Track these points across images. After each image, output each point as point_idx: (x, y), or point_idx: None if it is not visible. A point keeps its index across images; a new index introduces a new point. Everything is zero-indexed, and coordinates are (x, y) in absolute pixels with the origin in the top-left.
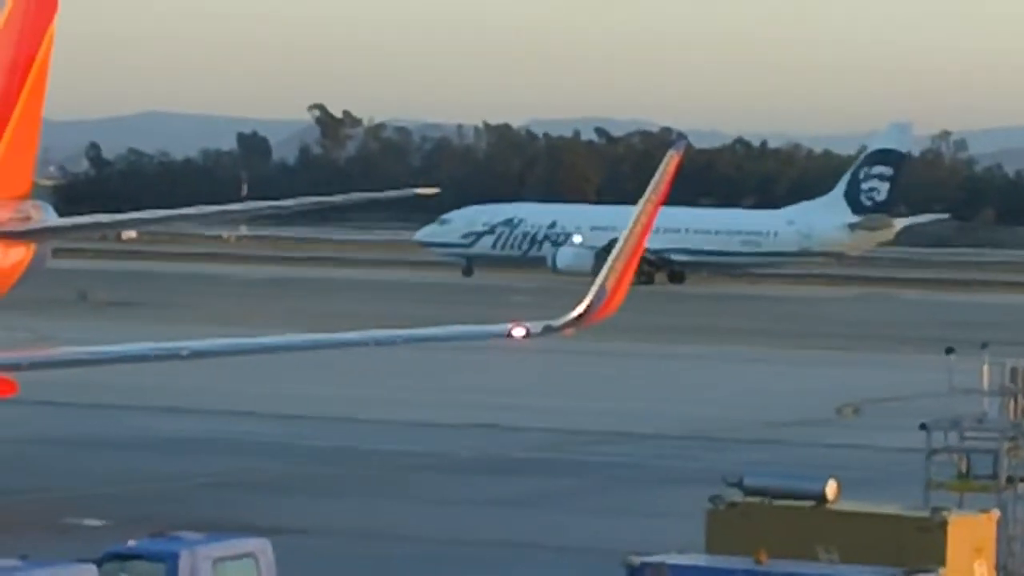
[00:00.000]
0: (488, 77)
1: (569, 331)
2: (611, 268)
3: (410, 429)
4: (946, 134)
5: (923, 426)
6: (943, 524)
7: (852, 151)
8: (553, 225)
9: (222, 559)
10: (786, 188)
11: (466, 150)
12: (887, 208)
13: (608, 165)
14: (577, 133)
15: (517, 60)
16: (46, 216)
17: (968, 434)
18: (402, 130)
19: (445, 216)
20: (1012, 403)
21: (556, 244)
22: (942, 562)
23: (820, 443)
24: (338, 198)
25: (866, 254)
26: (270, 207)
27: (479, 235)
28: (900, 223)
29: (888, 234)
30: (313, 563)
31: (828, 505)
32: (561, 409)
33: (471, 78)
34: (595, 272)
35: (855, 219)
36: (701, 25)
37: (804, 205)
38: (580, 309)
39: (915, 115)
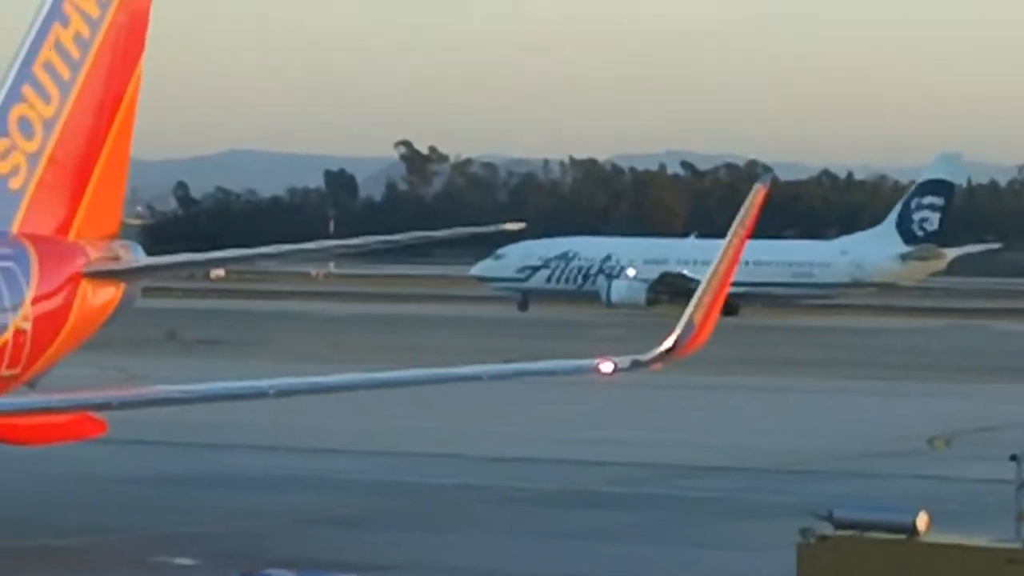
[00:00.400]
0: (574, 112)
1: (657, 366)
2: (698, 302)
3: (493, 464)
4: None
5: (1014, 457)
6: None
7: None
8: (608, 259)
9: None
10: (872, 219)
11: (552, 185)
12: (939, 238)
13: (694, 198)
14: (663, 167)
15: (603, 94)
16: (135, 256)
17: None
18: (488, 166)
19: (500, 251)
20: None
21: (610, 277)
22: None
23: (910, 474)
24: (424, 234)
25: (952, 285)
26: (357, 244)
27: (534, 269)
28: (952, 253)
29: (940, 264)
30: None
31: (919, 537)
32: (645, 442)
33: (557, 113)
34: (649, 305)
35: (907, 249)
36: (786, 58)
37: (856, 236)
38: (668, 344)
39: (1001, 145)
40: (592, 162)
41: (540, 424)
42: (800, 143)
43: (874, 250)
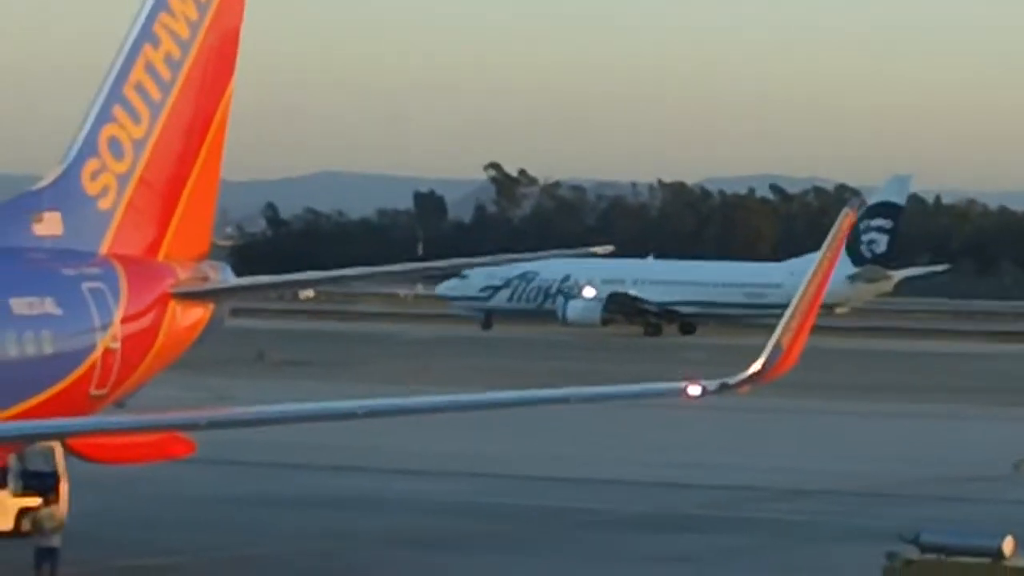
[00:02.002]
0: (663, 134)
1: (745, 389)
2: (786, 325)
3: (581, 485)
4: None
5: None
6: None
7: None
8: (567, 279)
9: None
10: (961, 244)
11: (641, 208)
12: (887, 259)
13: (783, 222)
14: (752, 190)
15: (692, 117)
16: (224, 276)
17: None
18: (577, 188)
19: (466, 271)
20: None
21: (568, 297)
22: None
23: (997, 499)
24: (513, 257)
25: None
26: (446, 266)
27: (496, 289)
28: (899, 275)
29: (887, 286)
30: None
31: (1005, 562)
32: (731, 465)
33: (646, 136)
34: (604, 324)
35: (854, 271)
36: (876, 81)
37: (807, 257)
38: (756, 367)
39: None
40: (681, 185)
41: (627, 446)
42: (889, 167)
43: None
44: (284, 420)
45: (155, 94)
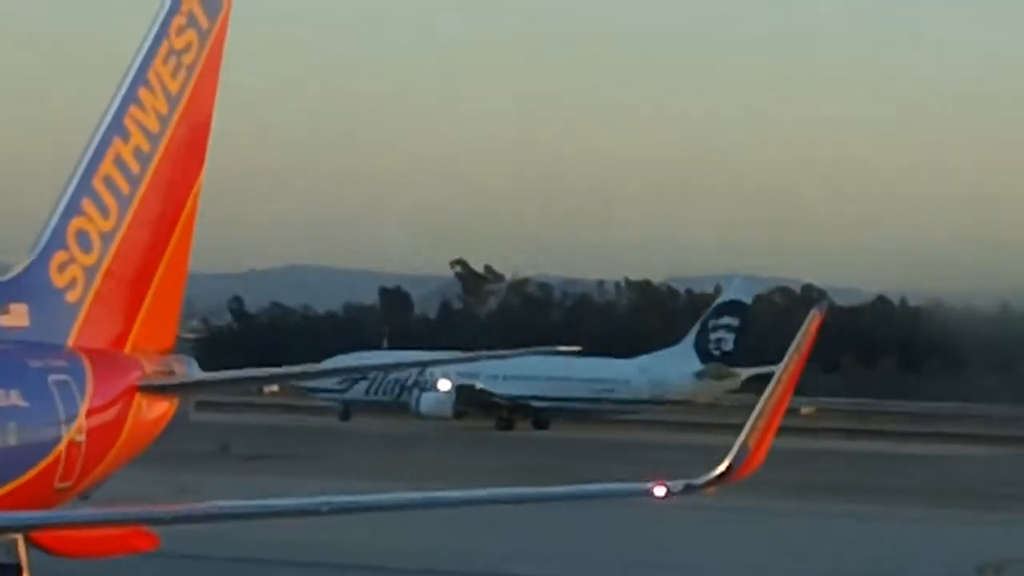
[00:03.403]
0: (629, 233)
1: (711, 490)
2: (753, 425)
3: None
4: None
5: None
6: None
7: (995, 309)
8: (423, 372)
9: None
10: (929, 346)
11: (607, 306)
12: (733, 357)
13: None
14: (718, 288)
15: (657, 217)
16: (189, 370)
17: None
18: (544, 285)
19: (325, 362)
20: None
21: (424, 390)
22: None
23: None
24: (479, 354)
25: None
26: (412, 364)
27: (354, 380)
28: (746, 372)
29: (734, 383)
30: None
31: None
32: (698, 566)
33: (612, 234)
34: (457, 417)
35: (701, 368)
36: (841, 183)
37: (657, 354)
38: (722, 467)
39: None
40: (647, 283)
41: (585, 547)
42: (855, 268)
43: (672, 368)
44: (249, 515)
45: (124, 187)
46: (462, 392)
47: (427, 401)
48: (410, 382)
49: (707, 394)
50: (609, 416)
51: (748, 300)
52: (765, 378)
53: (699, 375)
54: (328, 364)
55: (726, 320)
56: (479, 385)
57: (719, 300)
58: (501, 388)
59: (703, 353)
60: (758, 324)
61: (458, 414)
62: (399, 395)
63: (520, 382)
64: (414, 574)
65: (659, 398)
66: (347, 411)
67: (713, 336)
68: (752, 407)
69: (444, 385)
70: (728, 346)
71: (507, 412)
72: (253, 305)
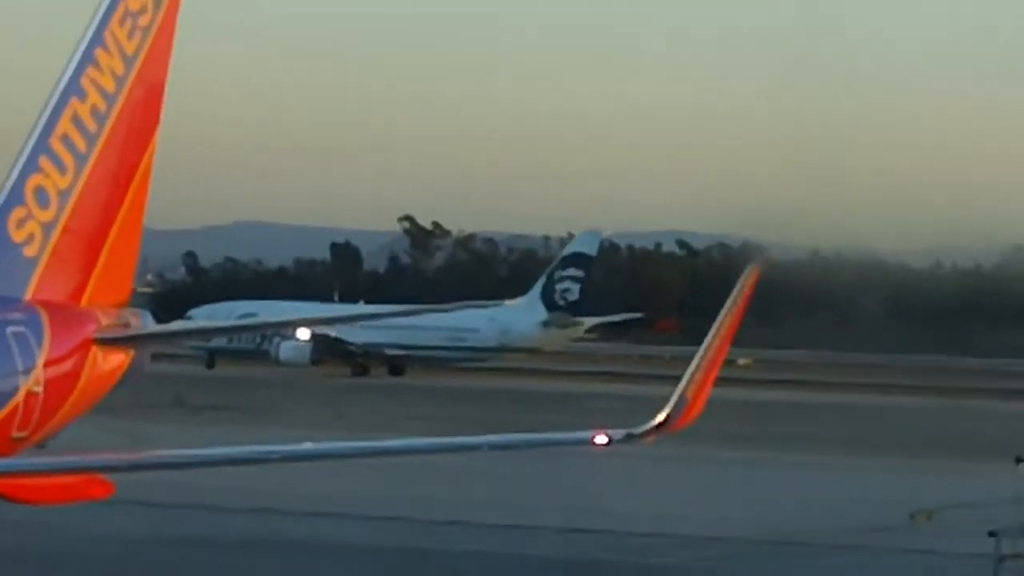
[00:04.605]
0: (575, 190)
1: (650, 439)
2: (690, 378)
3: (495, 531)
4: (1019, 248)
5: (992, 533)
6: None
7: (926, 264)
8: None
9: None
10: (864, 300)
11: (551, 260)
12: (579, 307)
13: (688, 278)
14: (659, 245)
15: (603, 174)
16: (145, 323)
17: None
18: (489, 241)
19: (191, 312)
20: None
21: (284, 339)
22: None
23: (893, 548)
24: (425, 308)
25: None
26: (361, 316)
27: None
28: (590, 321)
29: (577, 331)
30: None
31: None
32: (638, 514)
33: (558, 191)
34: (314, 364)
35: (547, 317)
36: (779, 142)
37: (506, 304)
38: (661, 417)
39: (988, 227)
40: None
41: (534, 494)
42: (793, 222)
43: (520, 318)
44: (201, 464)
45: (81, 146)
46: (318, 340)
47: (286, 349)
48: (270, 331)
49: (553, 342)
50: (459, 363)
51: (593, 252)
52: (607, 327)
53: (545, 324)
54: (195, 313)
55: (571, 271)
56: (333, 334)
57: (564, 252)
58: (356, 336)
59: (549, 303)
60: (705, 275)
61: (314, 362)
62: (260, 344)
63: (373, 330)
64: (375, 520)
65: (507, 346)
66: (212, 359)
67: (559, 287)
68: (593, 355)
69: (303, 334)
70: (573, 296)
71: (362, 359)
72: (206, 260)
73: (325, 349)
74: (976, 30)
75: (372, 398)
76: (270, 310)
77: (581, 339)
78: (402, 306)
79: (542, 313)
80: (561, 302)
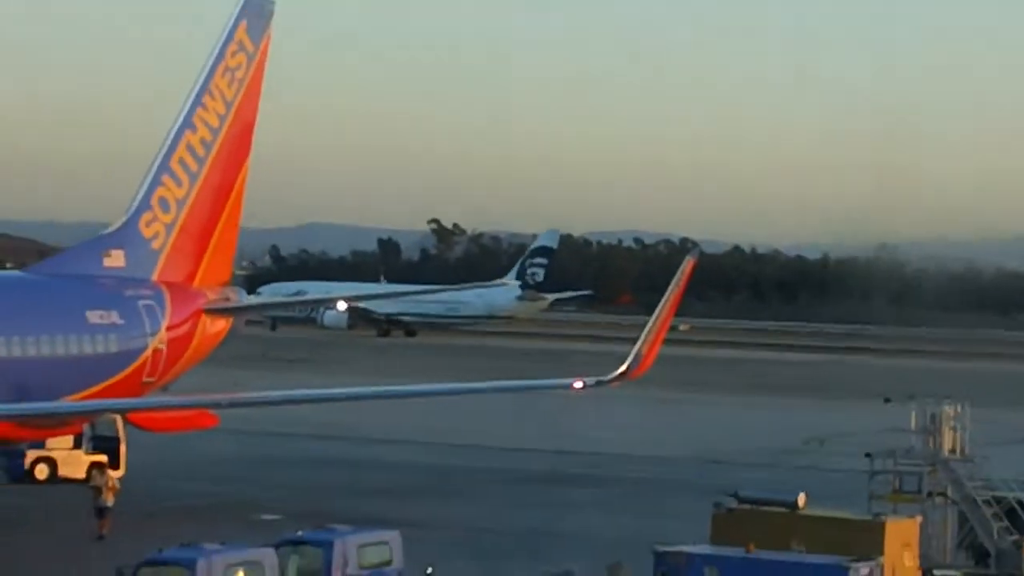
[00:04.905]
0: (557, 199)
1: (615, 384)
2: (644, 339)
3: (496, 452)
4: (885, 244)
5: (868, 455)
6: (882, 525)
7: (817, 255)
8: (327, 295)
9: (365, 545)
10: (770, 282)
11: None
12: (543, 286)
13: (642, 266)
14: (620, 241)
15: (578, 185)
16: (240, 298)
17: (900, 461)
18: (495, 238)
19: (260, 289)
20: (931, 439)
21: (327, 309)
22: (881, 553)
23: (791, 466)
24: (449, 287)
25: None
26: (402, 293)
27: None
28: (551, 297)
29: (543, 304)
30: (430, 548)
31: (799, 511)
32: (600, 439)
33: (544, 200)
34: (349, 328)
35: (521, 293)
36: (709, 159)
37: (487, 286)
38: (623, 368)
39: (863, 228)
40: (569, 236)
41: (528, 424)
42: (721, 224)
43: (500, 295)
44: (283, 402)
45: (193, 166)
46: (352, 311)
47: (329, 317)
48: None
49: (526, 312)
50: (457, 327)
51: (554, 245)
52: (567, 301)
53: (520, 299)
54: (263, 290)
55: (538, 260)
56: (363, 305)
57: (533, 245)
58: (380, 308)
59: (523, 282)
60: (654, 266)
61: (349, 326)
62: (309, 312)
63: (393, 303)
64: (402, 443)
65: (491, 315)
66: (275, 324)
67: (529, 271)
68: (560, 322)
69: (341, 305)
70: (540, 278)
71: (385, 325)
72: (285, 251)
73: (357, 317)
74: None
75: (397, 353)
76: (314, 288)
77: (548, 309)
78: (413, 286)
79: (517, 290)
80: (531, 282)
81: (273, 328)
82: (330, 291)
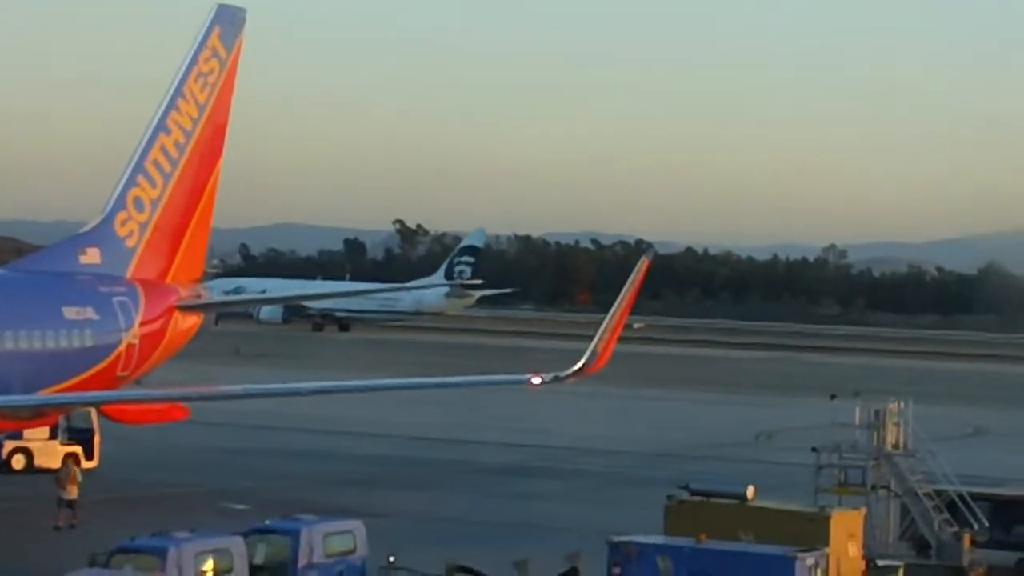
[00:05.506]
0: (516, 200)
1: (571, 380)
2: (600, 336)
3: (459, 446)
4: (832, 246)
5: (814, 449)
6: (827, 517)
7: (767, 257)
8: (264, 291)
9: (330, 534)
10: (722, 282)
11: (500, 253)
12: (469, 284)
13: (598, 266)
14: (577, 242)
15: (536, 188)
16: (211, 295)
17: (845, 455)
18: (456, 238)
19: (207, 284)
20: (875, 434)
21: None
22: (826, 544)
23: (743, 459)
24: (412, 284)
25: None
26: (365, 291)
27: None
28: (477, 294)
29: (469, 301)
30: (393, 537)
31: (748, 503)
32: (559, 433)
33: (505, 200)
34: (285, 322)
35: (447, 291)
36: (664, 160)
37: (420, 281)
38: (579, 365)
39: (811, 230)
40: (528, 237)
41: (488, 418)
42: (674, 226)
43: (430, 292)
44: (252, 395)
45: (167, 167)
46: (288, 306)
47: (265, 312)
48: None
49: (453, 308)
50: (388, 322)
51: (480, 245)
52: (491, 299)
53: (447, 296)
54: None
55: (466, 258)
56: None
57: (461, 244)
58: (314, 303)
59: (451, 280)
60: (609, 265)
61: (285, 320)
62: (248, 308)
63: (329, 301)
64: (369, 436)
65: (420, 311)
66: (217, 319)
67: (457, 269)
68: (484, 317)
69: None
70: (467, 276)
71: (319, 320)
72: (255, 251)
73: (293, 312)
74: None
75: (336, 347)
76: (254, 285)
77: (471, 306)
78: (349, 284)
79: (445, 288)
80: (459, 279)
81: (216, 323)
82: (266, 289)
